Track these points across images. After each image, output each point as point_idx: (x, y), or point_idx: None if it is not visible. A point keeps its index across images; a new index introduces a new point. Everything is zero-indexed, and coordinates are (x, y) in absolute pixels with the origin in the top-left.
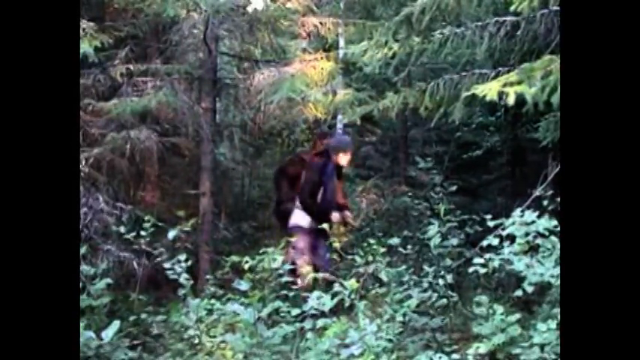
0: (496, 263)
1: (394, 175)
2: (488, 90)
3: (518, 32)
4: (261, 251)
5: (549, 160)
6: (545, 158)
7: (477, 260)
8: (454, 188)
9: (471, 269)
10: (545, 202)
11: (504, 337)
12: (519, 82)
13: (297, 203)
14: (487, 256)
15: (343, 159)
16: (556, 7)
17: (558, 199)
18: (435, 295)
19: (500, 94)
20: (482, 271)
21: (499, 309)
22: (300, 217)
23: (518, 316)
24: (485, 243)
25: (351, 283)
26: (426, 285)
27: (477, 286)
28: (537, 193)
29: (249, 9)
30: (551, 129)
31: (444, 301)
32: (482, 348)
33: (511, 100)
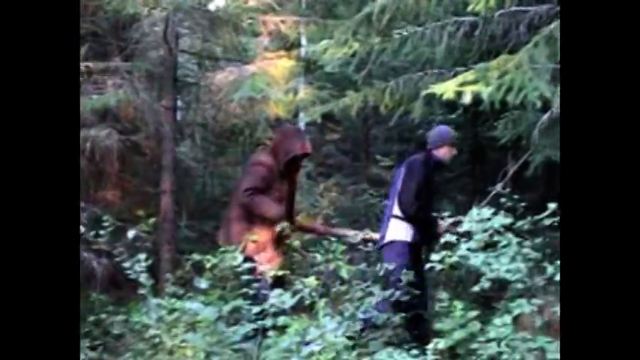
0: (453, 260)
1: (356, 173)
2: (446, 89)
3: (477, 32)
4: (222, 249)
5: (509, 157)
6: (504, 156)
7: (434, 257)
8: None
9: (427, 266)
10: (504, 200)
11: (464, 333)
12: (475, 82)
13: (395, 211)
14: (444, 252)
15: (448, 154)
16: (514, 8)
17: (516, 196)
18: (397, 292)
19: (458, 93)
20: (439, 267)
21: (459, 305)
22: (400, 230)
23: (478, 311)
24: (442, 240)
25: (310, 281)
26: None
27: (439, 283)
28: (496, 190)
29: (211, 7)
30: (510, 127)
31: (406, 298)
32: (442, 344)
33: (467, 99)
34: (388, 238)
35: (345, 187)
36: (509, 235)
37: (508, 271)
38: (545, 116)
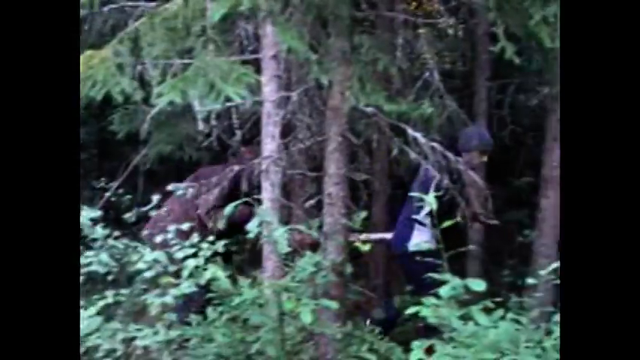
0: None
1: None
2: None
3: (86, 26)
4: None
5: (137, 152)
6: (131, 150)
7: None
8: None
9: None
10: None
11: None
12: None
13: (423, 219)
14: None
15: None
16: (123, 3)
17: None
18: None
19: None
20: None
21: None
22: (424, 237)
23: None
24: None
25: None
26: None
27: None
28: (103, 185)
29: None
30: (126, 121)
31: None
32: None
33: None
34: (413, 246)
35: None
36: (99, 229)
37: (145, 261)
38: (154, 111)
